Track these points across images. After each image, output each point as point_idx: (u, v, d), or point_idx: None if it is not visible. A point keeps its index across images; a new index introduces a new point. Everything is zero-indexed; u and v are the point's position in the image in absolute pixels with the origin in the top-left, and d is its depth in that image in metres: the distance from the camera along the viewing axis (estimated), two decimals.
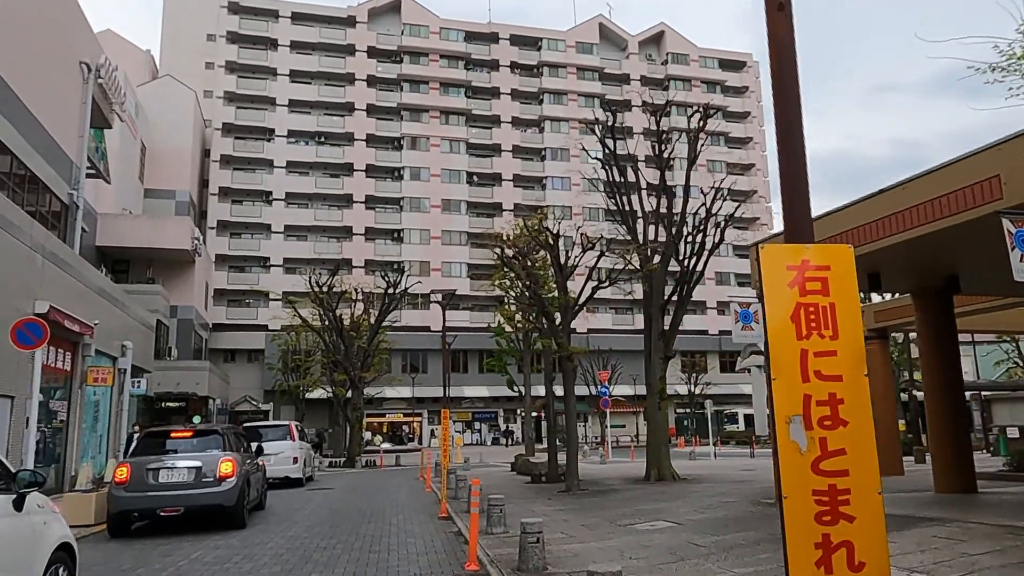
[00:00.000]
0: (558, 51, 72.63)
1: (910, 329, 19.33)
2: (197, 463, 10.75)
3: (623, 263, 17.80)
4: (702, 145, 19.20)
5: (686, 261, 18.27)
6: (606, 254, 16.72)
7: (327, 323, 33.71)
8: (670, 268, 18.92)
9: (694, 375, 58.47)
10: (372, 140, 66.33)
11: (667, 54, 76.30)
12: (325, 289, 32.98)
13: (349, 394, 33.84)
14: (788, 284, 3.00)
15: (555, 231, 16.47)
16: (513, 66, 71.39)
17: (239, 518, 11.17)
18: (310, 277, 33.19)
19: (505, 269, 19.27)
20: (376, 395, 52.01)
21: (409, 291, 64.53)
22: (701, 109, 19.19)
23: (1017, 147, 7.80)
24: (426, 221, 65.95)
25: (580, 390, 65.09)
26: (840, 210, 10.46)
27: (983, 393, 30.10)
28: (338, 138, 65.94)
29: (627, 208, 19.19)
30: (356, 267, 61.45)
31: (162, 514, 10.54)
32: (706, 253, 18.24)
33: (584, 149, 21.56)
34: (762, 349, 37.74)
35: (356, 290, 36.59)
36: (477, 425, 65.16)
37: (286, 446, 19.74)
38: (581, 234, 16.61)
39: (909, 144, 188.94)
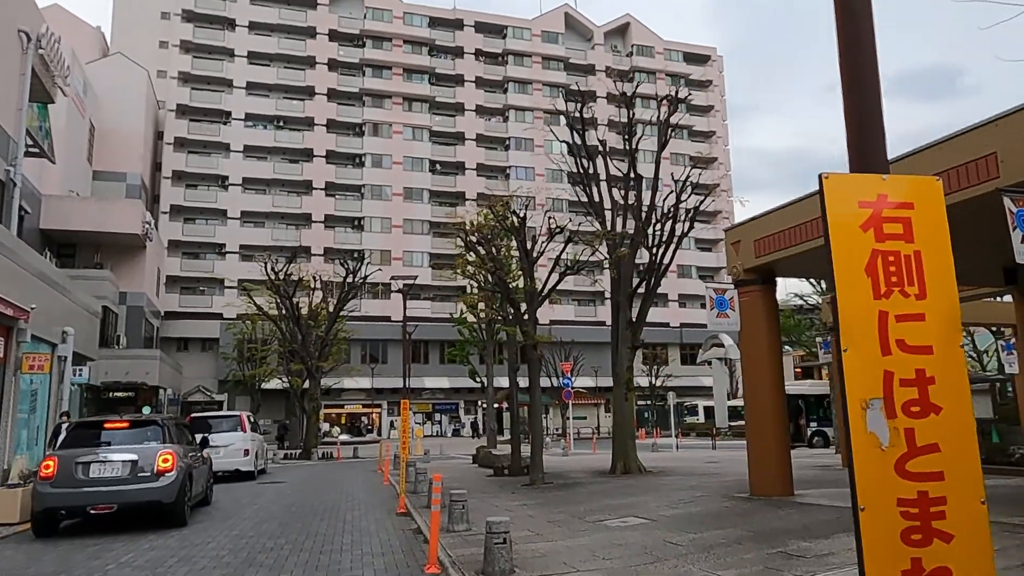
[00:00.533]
0: (523, 40, 71.87)
1: None
2: (133, 456, 9.88)
3: (590, 251, 17.25)
4: (671, 132, 18.70)
5: (655, 250, 17.78)
6: (573, 241, 16.11)
7: (284, 311, 32.64)
8: (637, 259, 18.45)
9: (655, 367, 58.55)
10: (333, 126, 64.89)
11: (632, 46, 76.09)
12: (282, 276, 31.85)
13: (306, 384, 32.83)
14: (860, 226, 2.35)
15: (522, 215, 15.83)
16: (478, 53, 70.47)
17: (179, 515, 10.33)
18: (266, 263, 32.01)
19: (469, 255, 18.59)
20: (334, 386, 50.93)
21: (369, 280, 63.64)
22: (672, 94, 18.69)
23: (1016, 123, 7.38)
24: (387, 209, 64.80)
25: (542, 382, 64.68)
26: (808, 197, 9.98)
27: None
28: (298, 123, 64.33)
29: (596, 199, 18.66)
30: (315, 255, 60.09)
31: (93, 512, 9.66)
32: (675, 241, 17.77)
33: (555, 134, 20.86)
34: (731, 341, 37.53)
35: (315, 278, 35.54)
36: (437, 416, 64.48)
37: (236, 438, 18.81)
38: (548, 218, 16.00)
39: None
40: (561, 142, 19.75)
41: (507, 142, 69.81)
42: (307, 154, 63.78)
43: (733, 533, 8.02)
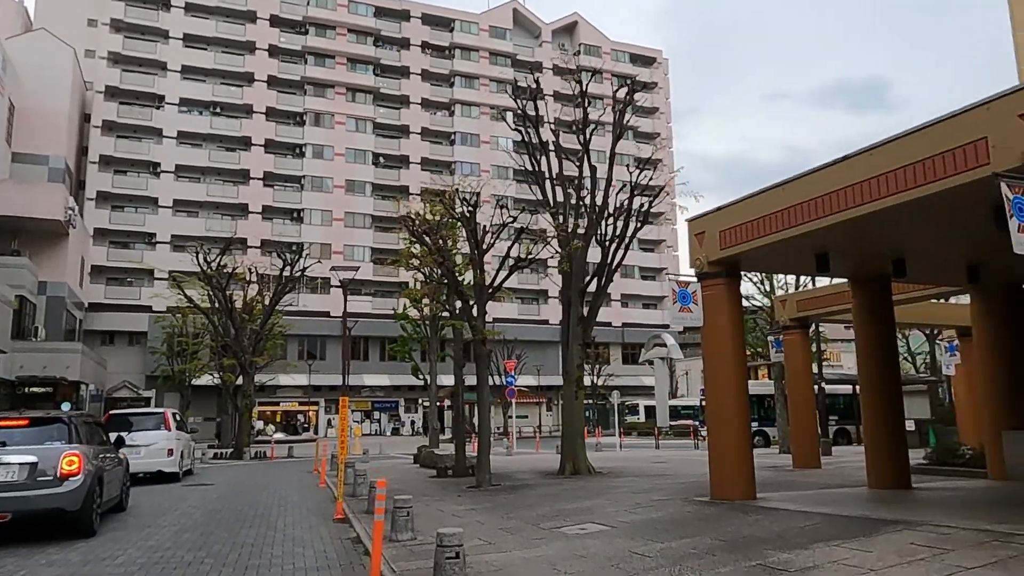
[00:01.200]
0: (471, 34, 70.96)
1: (829, 319, 19.04)
2: (32, 458, 8.71)
3: (542, 245, 16.55)
4: (627, 123, 18.18)
5: (607, 244, 17.21)
6: (525, 233, 15.37)
7: (216, 304, 31.05)
8: (588, 257, 17.88)
9: (597, 366, 58.49)
10: (272, 114, 62.86)
11: (580, 45, 75.93)
12: (215, 267, 30.26)
13: (239, 381, 31.32)
14: None
15: (472, 202, 15.03)
16: (424, 46, 69.28)
17: (86, 524, 9.20)
18: (198, 253, 30.36)
19: (414, 246, 17.71)
20: (268, 382, 49.25)
21: (308, 273, 61.93)
22: (630, 82, 18.19)
23: (1009, 106, 6.95)
24: (328, 202, 63.07)
25: None
26: (792, 180, 9.49)
27: None
28: (235, 110, 62.09)
29: (545, 196, 18.03)
30: (252, 247, 58.10)
31: None
32: (629, 236, 17.24)
33: (508, 122, 20.12)
34: (672, 341, 37.40)
35: (250, 270, 33.97)
36: (377, 415, 63.19)
37: (160, 436, 17.47)
38: (500, 207, 15.24)
39: (799, 150, 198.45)
40: (513, 134, 19.04)
41: (453, 137, 68.86)
42: (245, 142, 61.65)
43: (703, 542, 7.41)
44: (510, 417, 45.35)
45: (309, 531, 9.89)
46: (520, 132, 18.78)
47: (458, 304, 15.72)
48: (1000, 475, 12.68)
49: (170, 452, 17.51)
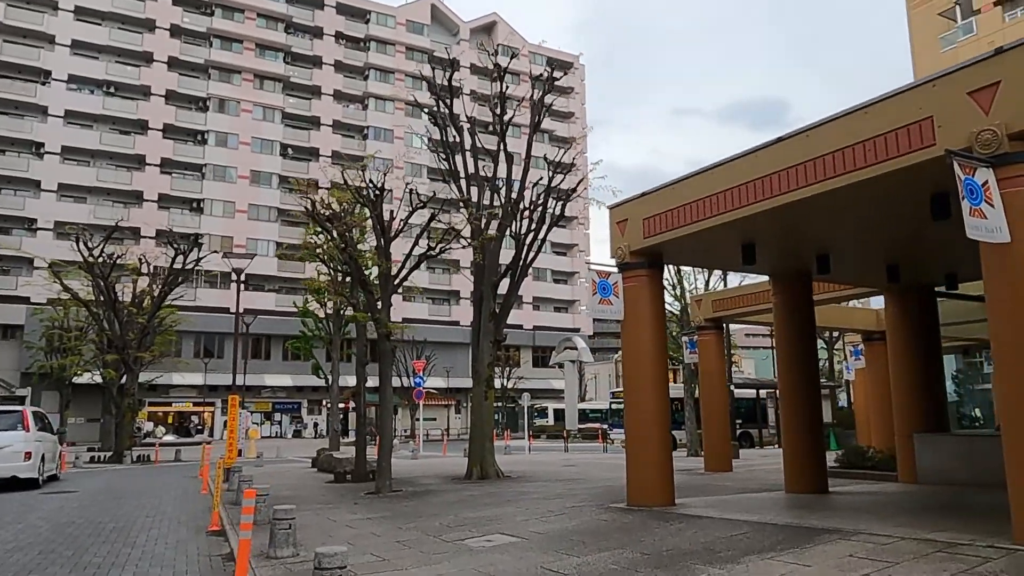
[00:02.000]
0: (387, 27, 69.26)
1: (744, 320, 18.85)
2: None
3: (452, 234, 15.57)
4: (545, 111, 17.49)
5: (523, 235, 16.42)
6: (436, 219, 14.34)
7: (103, 296, 28.46)
8: (502, 257, 17.08)
9: (508, 368, 57.95)
10: (173, 97, 59.42)
11: (498, 45, 75.22)
12: (97, 255, 27.77)
13: (124, 379, 28.83)
14: None
15: (379, 184, 13.91)
16: (338, 36, 67.12)
17: None
18: (79, 239, 27.76)
19: (318, 235, 16.44)
20: (157, 380, 46.30)
21: (206, 267, 58.69)
22: (545, 72, 17.52)
23: (956, 84, 6.49)
24: (231, 192, 60.06)
25: (392, 381, 62.32)
26: (720, 165, 8.87)
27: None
28: (132, 90, 58.37)
29: (460, 193, 17.16)
30: (146, 237, 54.66)
31: None
32: (546, 227, 16.51)
33: (423, 117, 19.13)
34: (583, 344, 37.09)
35: (141, 259, 31.41)
36: (278, 416, 60.58)
37: (16, 438, 15.45)
38: (410, 190, 14.18)
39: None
40: (430, 131, 18.07)
41: (365, 131, 66.98)
42: (141, 126, 58.04)
43: (625, 556, 6.61)
44: (418, 419, 44.21)
45: (174, 547, 8.56)
46: (437, 127, 17.91)
47: (362, 298, 14.53)
48: (911, 478, 12.55)
49: (28, 456, 15.52)
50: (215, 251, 45.26)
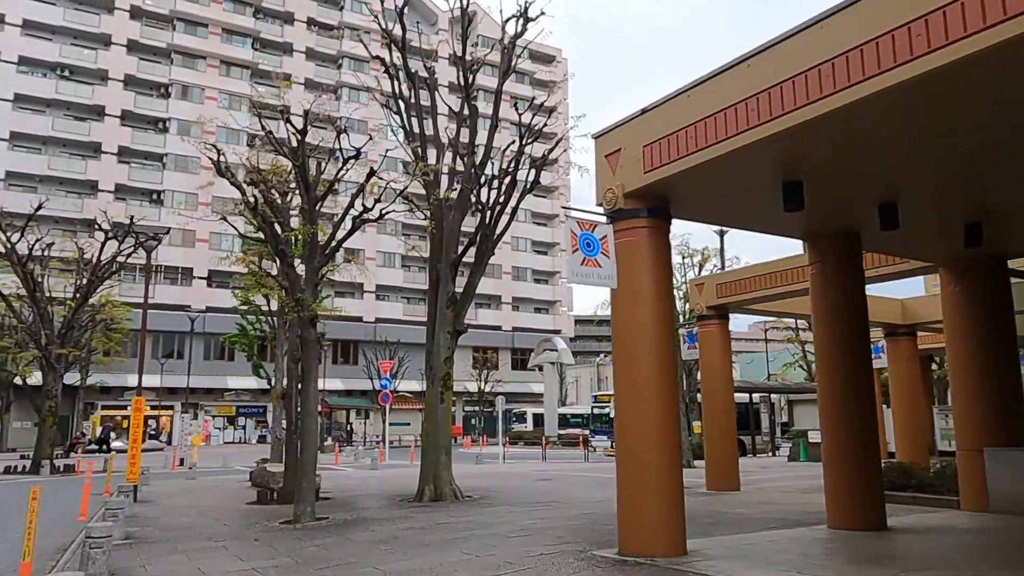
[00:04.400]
0: (362, 13, 66.23)
1: (753, 308, 16.03)
2: None
3: (400, 186, 12.67)
4: (517, 59, 14.81)
5: (489, 203, 13.61)
6: (376, 175, 11.48)
7: (35, 291, 25.18)
8: (464, 224, 14.28)
9: (485, 371, 55.06)
10: (132, 82, 56.09)
11: (478, 36, 72.55)
12: (16, 239, 24.58)
13: (41, 379, 25.54)
14: None
15: (302, 123, 11.10)
16: (310, 23, 64.09)
17: None
18: None
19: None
20: (105, 382, 43.05)
21: (160, 260, 55.27)
22: (518, 13, 14.86)
23: None
24: (194, 184, 56.64)
25: (363, 384, 59.13)
26: (760, 52, 6.06)
27: (788, 396, 28.54)
28: (88, 74, 55.02)
29: (414, 156, 14.46)
30: (101, 229, 51.18)
31: None
32: (517, 194, 13.70)
33: (376, 58, 16.45)
34: (563, 345, 34.40)
35: (78, 247, 28.11)
36: (242, 421, 57.34)
37: None
38: (340, 130, 11.36)
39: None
40: (403, 126, 15.33)
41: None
42: (98, 112, 54.71)
43: None
44: (386, 424, 41.26)
45: None
46: (389, 78, 15.25)
47: (281, 271, 11.59)
48: (978, 505, 9.83)
49: None
50: (156, 241, 42.08)
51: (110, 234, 25.89)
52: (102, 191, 53.73)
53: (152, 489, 16.57)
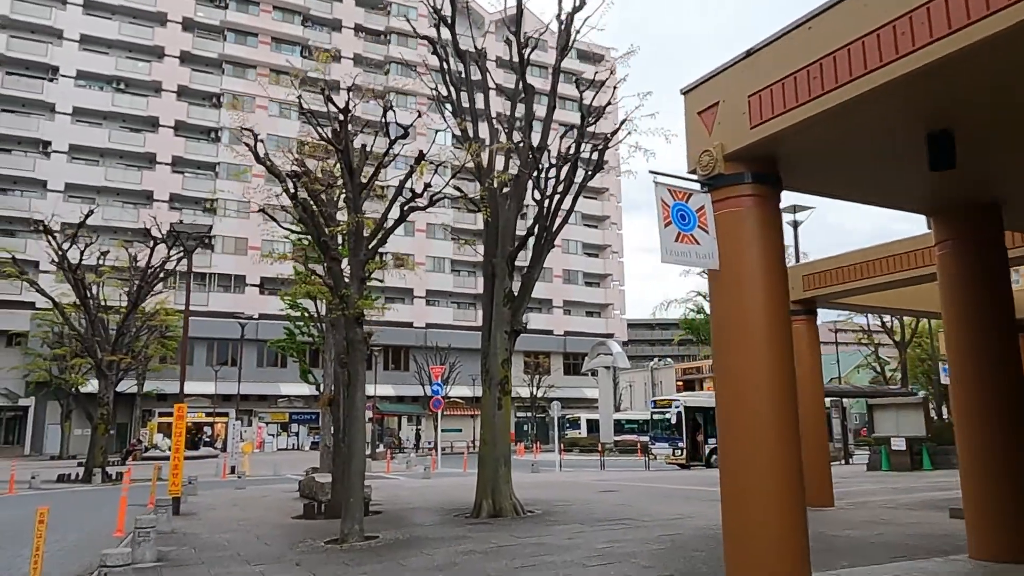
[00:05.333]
0: (408, 19, 66.11)
1: (847, 304, 14.50)
2: None
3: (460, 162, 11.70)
4: (576, 34, 13.75)
5: (548, 190, 12.52)
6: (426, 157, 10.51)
7: (87, 298, 25.20)
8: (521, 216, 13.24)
9: (537, 376, 53.92)
10: (185, 93, 56.79)
11: (525, 37, 71.71)
12: (67, 247, 24.58)
13: (95, 387, 25.42)
14: None
15: (344, 105, 10.24)
16: (357, 29, 64.13)
17: None
18: (44, 227, 24.48)
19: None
20: (162, 390, 43.29)
21: (214, 268, 55.76)
22: None
23: None
24: (246, 192, 57.10)
25: (414, 390, 58.53)
26: None
27: (868, 400, 26.65)
28: (142, 86, 55.91)
29: (466, 133, 13.53)
30: (158, 239, 51.77)
31: None
32: (578, 182, 12.57)
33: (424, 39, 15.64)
34: (618, 349, 33.07)
35: (130, 254, 28.12)
36: (295, 427, 57.32)
37: None
38: (386, 107, 10.45)
39: None
40: (452, 129, 14.55)
41: (387, 128, 63.75)
42: (152, 123, 55.43)
43: None
44: (437, 430, 40.54)
45: None
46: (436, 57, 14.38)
47: (326, 262, 10.68)
48: None
49: None
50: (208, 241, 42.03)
51: (159, 239, 25.64)
52: (157, 201, 54.40)
53: (198, 500, 15.93)
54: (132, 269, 27.36)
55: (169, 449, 43.50)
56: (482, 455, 12.32)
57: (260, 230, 55.49)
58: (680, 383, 78.97)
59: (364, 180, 10.33)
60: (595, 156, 13.03)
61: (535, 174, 12.67)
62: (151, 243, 25.47)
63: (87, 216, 25.34)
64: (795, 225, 17.27)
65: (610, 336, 64.59)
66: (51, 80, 53.30)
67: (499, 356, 12.11)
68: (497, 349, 12.11)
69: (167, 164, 55.54)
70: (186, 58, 57.25)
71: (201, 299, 55.73)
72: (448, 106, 14.29)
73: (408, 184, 10.43)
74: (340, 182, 11.18)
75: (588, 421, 54.47)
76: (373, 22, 64.67)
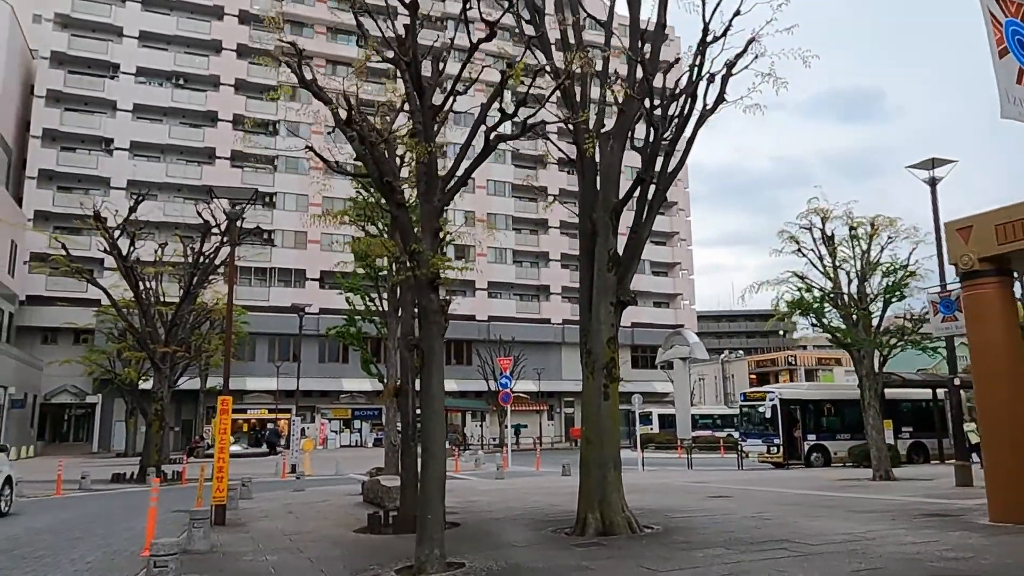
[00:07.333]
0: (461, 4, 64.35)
1: None
2: None
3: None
4: None
5: (665, 120, 10.16)
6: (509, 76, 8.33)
7: (139, 289, 24.18)
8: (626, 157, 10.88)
9: None
10: (242, 87, 56.19)
11: (584, 19, 69.07)
12: (117, 235, 23.50)
13: (150, 382, 24.26)
14: None
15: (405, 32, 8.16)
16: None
17: None
18: (98, 215, 23.43)
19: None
20: (216, 385, 42.38)
21: (273, 263, 54.88)
22: None
23: None
24: (304, 185, 56.15)
25: (478, 385, 56.49)
26: None
27: None
28: (201, 81, 55.59)
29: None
30: (216, 234, 51.21)
31: None
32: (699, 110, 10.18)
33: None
34: (695, 338, 30.05)
35: (188, 246, 27.12)
36: (357, 424, 56.47)
37: None
38: (467, 19, 8.34)
39: (789, 160, 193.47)
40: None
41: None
42: (211, 118, 55.12)
43: None
44: (505, 426, 38.67)
45: None
46: None
47: (391, 209, 8.57)
48: None
49: None
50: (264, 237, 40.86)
51: (211, 226, 24.33)
52: (218, 196, 53.84)
53: (250, 506, 14.22)
54: (187, 263, 26.25)
55: (233, 444, 42.59)
56: (585, 457, 10.01)
57: (318, 227, 53.91)
58: (753, 376, 75.26)
59: (434, 103, 8.27)
60: (715, 86, 10.59)
61: (649, 105, 10.31)
62: (201, 232, 24.15)
63: (137, 203, 24.10)
64: (932, 183, 14.30)
65: (680, 326, 61.58)
66: (112, 78, 53.34)
67: (604, 333, 9.71)
68: (602, 324, 9.71)
69: (226, 159, 55.05)
70: (243, 51, 56.60)
71: (262, 294, 55.10)
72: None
73: (495, 106, 8.31)
74: (406, 107, 9.16)
75: (660, 416, 51.83)
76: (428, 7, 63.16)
